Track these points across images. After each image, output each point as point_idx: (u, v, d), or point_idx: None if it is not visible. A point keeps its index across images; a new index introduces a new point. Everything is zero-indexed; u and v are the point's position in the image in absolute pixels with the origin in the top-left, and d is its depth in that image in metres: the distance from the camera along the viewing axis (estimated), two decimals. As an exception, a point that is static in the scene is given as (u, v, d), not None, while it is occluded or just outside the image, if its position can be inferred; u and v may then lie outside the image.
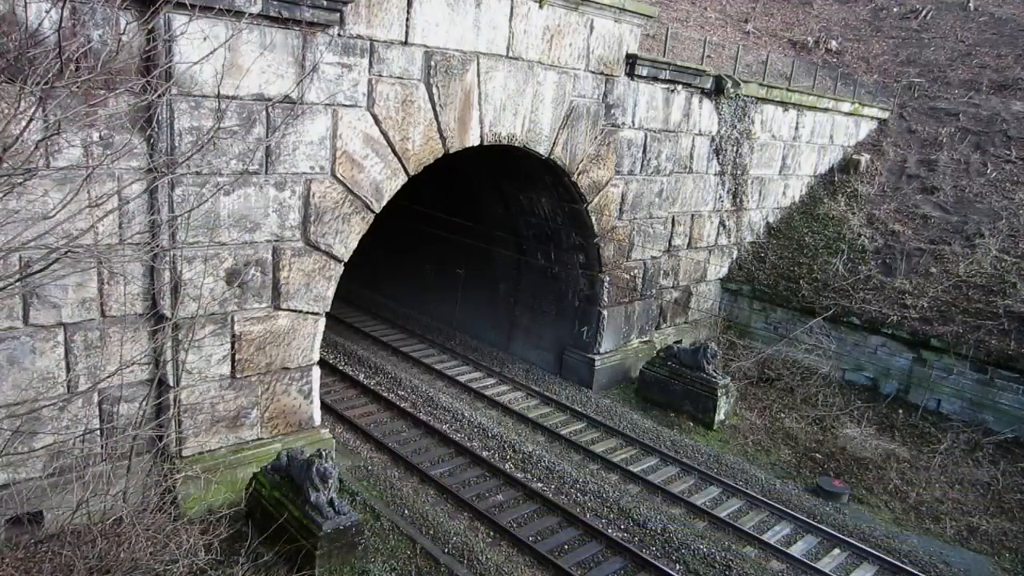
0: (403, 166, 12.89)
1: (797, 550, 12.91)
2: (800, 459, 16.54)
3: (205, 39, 9.62)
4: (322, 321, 12.45)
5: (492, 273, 21.13)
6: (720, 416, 17.30)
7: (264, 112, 10.74)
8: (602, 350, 18.71)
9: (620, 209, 17.68)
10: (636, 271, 18.86)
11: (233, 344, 11.37)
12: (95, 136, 9.41)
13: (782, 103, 21.88)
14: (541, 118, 15.02)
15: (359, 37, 11.66)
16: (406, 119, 12.68)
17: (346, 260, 12.54)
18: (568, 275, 18.78)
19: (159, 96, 9.41)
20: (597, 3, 14.99)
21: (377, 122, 12.28)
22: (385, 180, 12.69)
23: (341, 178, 12.01)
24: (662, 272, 20.10)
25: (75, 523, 9.12)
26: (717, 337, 21.62)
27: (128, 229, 10.01)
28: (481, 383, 18.67)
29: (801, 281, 21.69)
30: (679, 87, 18.07)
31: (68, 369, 9.98)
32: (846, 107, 24.60)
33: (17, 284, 8.42)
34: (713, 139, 20.13)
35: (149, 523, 9.26)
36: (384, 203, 12.84)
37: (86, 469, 9.71)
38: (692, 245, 21.13)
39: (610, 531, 12.71)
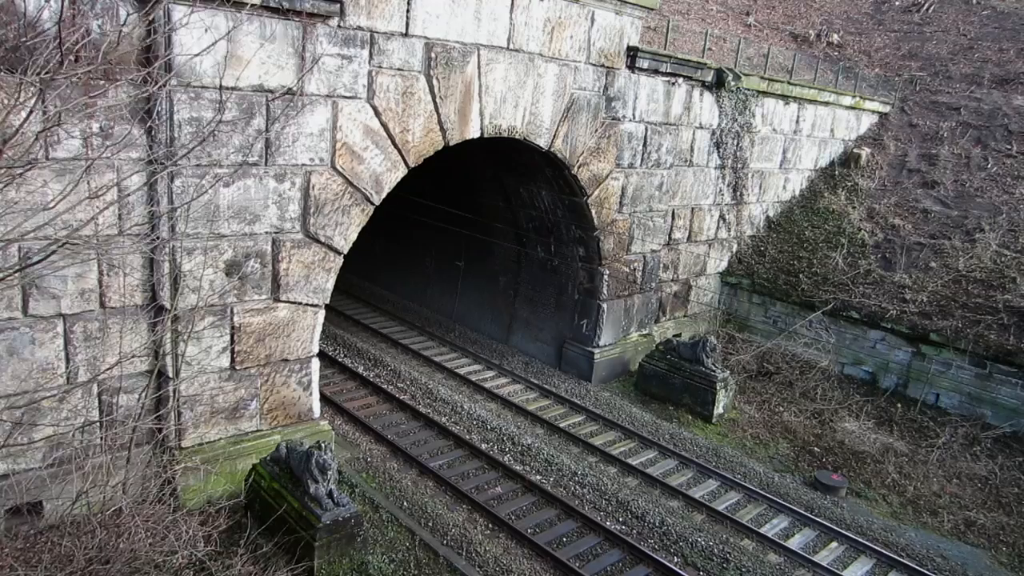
0: (403, 158, 12.87)
1: (795, 543, 12.96)
2: (798, 453, 16.57)
3: (205, 30, 9.57)
4: (322, 313, 12.45)
5: (492, 266, 21.12)
6: (719, 409, 17.32)
7: (264, 103, 10.72)
8: (601, 343, 18.71)
9: (620, 202, 17.66)
10: (636, 264, 18.86)
11: (232, 336, 11.37)
12: (95, 127, 9.38)
13: (783, 96, 21.83)
14: (542, 110, 14.99)
15: (359, 28, 11.62)
16: (406, 111, 12.65)
17: (346, 252, 12.52)
18: (568, 268, 18.77)
19: (159, 87, 9.39)
20: (598, -5, 14.94)
21: (377, 114, 12.25)
22: (385, 172, 12.67)
23: (341, 170, 12.00)
24: (662, 265, 20.09)
25: (74, 514, 9.14)
26: (716, 331, 21.64)
27: (128, 220, 10.00)
28: (480, 376, 18.68)
29: (801, 275, 21.68)
30: (680, 80, 18.03)
31: (67, 360, 9.99)
32: (847, 101, 24.55)
33: (16, 275, 8.41)
34: (714, 132, 20.09)
35: (148, 514, 9.28)
36: (384, 195, 12.82)
37: (86, 460, 9.72)
38: (692, 238, 21.11)
39: (608, 523, 12.74)
